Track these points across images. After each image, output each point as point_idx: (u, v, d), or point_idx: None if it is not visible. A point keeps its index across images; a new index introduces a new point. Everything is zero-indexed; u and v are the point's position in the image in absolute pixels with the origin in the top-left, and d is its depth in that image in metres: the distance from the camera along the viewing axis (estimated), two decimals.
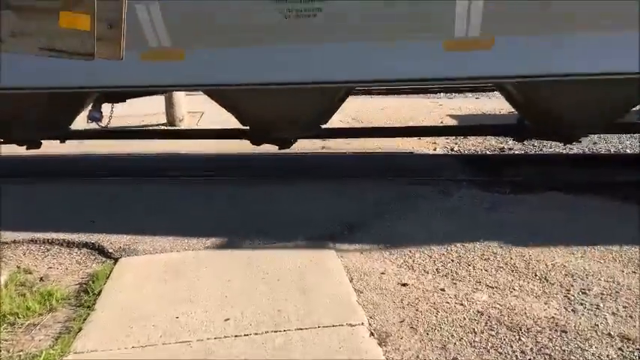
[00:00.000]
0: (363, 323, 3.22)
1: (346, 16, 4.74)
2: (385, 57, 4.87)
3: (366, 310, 3.39)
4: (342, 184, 5.80)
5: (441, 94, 11.89)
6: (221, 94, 5.63)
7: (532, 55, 4.74)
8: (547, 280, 3.65)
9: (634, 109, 5.65)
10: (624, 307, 3.28)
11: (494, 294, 3.52)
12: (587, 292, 3.48)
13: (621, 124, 5.89)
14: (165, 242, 4.43)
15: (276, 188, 5.69)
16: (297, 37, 4.82)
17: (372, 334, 3.12)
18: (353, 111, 9.66)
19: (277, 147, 6.07)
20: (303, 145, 7.26)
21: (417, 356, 2.91)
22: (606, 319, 3.16)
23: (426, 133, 7.39)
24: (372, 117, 9.44)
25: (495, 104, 9.75)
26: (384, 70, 4.96)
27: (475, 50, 4.73)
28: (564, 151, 7.12)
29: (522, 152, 7.26)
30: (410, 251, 4.20)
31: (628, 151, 6.99)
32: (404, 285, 3.68)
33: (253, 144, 6.13)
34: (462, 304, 3.41)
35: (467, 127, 7.81)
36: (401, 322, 3.24)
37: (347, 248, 4.28)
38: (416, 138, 7.59)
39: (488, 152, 7.39)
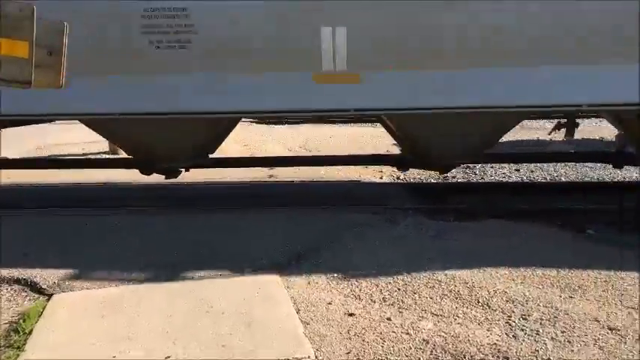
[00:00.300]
0: (309, 357, 3.17)
1: (215, 50, 4.91)
2: (255, 88, 5.02)
3: (312, 342, 3.34)
4: (289, 213, 5.77)
5: None
6: (99, 124, 5.56)
7: (398, 90, 5.00)
8: (489, 307, 3.72)
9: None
10: (562, 331, 3.37)
11: (439, 322, 3.55)
12: (528, 317, 3.56)
13: (491, 154, 6.25)
14: (103, 276, 4.27)
15: (222, 217, 5.61)
16: (167, 67, 4.94)
17: None
18: (302, 139, 9.73)
19: (164, 177, 6.03)
20: (254, 175, 7.23)
21: None
22: (546, 344, 3.24)
23: (367, 162, 7.47)
24: (321, 145, 9.52)
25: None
26: (254, 101, 5.09)
27: (343, 84, 4.95)
28: (504, 179, 7.37)
29: (465, 180, 7.47)
30: (357, 280, 4.20)
31: (562, 179, 7.30)
32: (351, 315, 3.67)
33: (142, 174, 6.06)
34: (407, 333, 3.43)
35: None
36: (347, 353, 3.22)
37: (294, 279, 4.24)
38: (362, 166, 7.69)
39: (432, 180, 7.56)
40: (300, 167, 7.17)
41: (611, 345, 3.20)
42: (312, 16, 4.87)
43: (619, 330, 3.36)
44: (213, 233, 5.17)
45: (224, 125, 5.75)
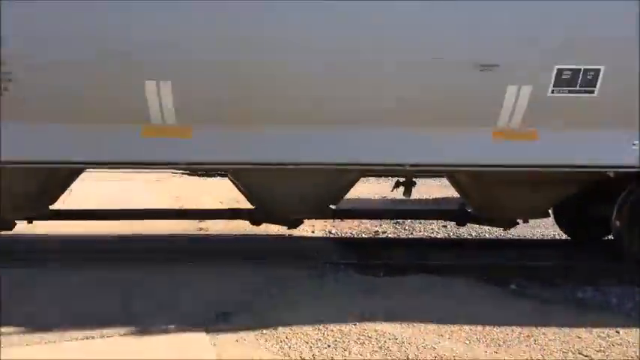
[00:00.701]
0: None
1: (30, 98, 4.81)
2: (74, 139, 4.99)
3: None
4: (216, 269, 5.62)
5: None
6: None
7: (230, 144, 5.09)
8: None
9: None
10: None
11: None
12: None
13: (341, 210, 6.45)
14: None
15: (141, 272, 5.36)
16: None
17: None
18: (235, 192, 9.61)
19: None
20: (183, 227, 7.04)
21: None
22: None
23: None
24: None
25: (376, 188, 10.20)
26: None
27: (175, 138, 5.04)
28: (432, 235, 7.55)
29: (395, 236, 7.59)
30: (286, 337, 4.10)
31: (487, 235, 7.58)
32: None
33: None
34: None
35: None
36: None
37: (221, 336, 4.08)
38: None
39: (364, 235, 7.63)
40: (232, 220, 7.05)
41: None
42: (136, 70, 4.78)
43: None
44: (137, 289, 4.93)
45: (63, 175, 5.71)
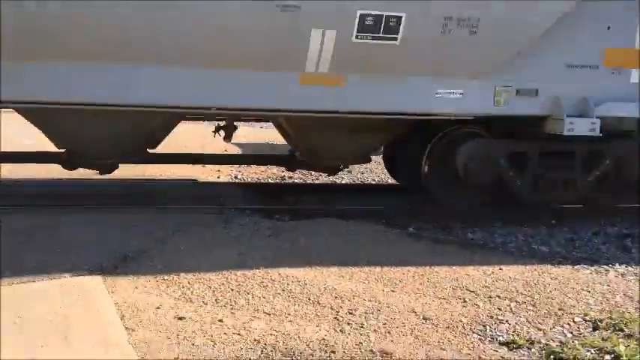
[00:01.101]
0: None
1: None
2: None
3: (137, 349, 3.16)
4: (118, 213, 5.42)
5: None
6: None
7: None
8: (319, 304, 3.84)
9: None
10: (384, 323, 3.60)
11: (271, 321, 3.58)
12: (354, 312, 3.74)
13: (156, 154, 6.34)
14: None
15: (39, 216, 5.08)
16: None
17: None
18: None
19: None
20: (81, 172, 6.67)
21: None
22: (369, 336, 3.43)
23: (207, 161, 7.32)
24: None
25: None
26: None
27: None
28: (338, 181, 7.71)
29: (301, 181, 7.67)
30: (189, 282, 4.07)
31: (390, 181, 7.85)
32: (180, 319, 3.53)
33: None
34: (239, 334, 3.39)
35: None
36: (175, 359, 3.09)
37: (119, 282, 3.98)
38: (199, 165, 7.50)
39: (270, 180, 7.64)
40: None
41: (425, 334, 3.49)
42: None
43: (432, 320, 3.68)
44: (32, 234, 4.66)
45: None
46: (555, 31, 5.55)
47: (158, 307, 3.66)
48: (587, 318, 3.78)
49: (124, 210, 5.57)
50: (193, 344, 3.25)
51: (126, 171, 6.99)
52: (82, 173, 6.37)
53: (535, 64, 5.72)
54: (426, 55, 5.31)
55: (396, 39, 5.10)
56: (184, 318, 3.54)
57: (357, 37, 5.02)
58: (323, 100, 5.34)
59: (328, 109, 5.38)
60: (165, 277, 4.12)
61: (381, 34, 5.06)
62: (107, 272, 4.13)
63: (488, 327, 3.61)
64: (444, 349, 3.30)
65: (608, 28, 5.79)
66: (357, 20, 4.96)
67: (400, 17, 5.02)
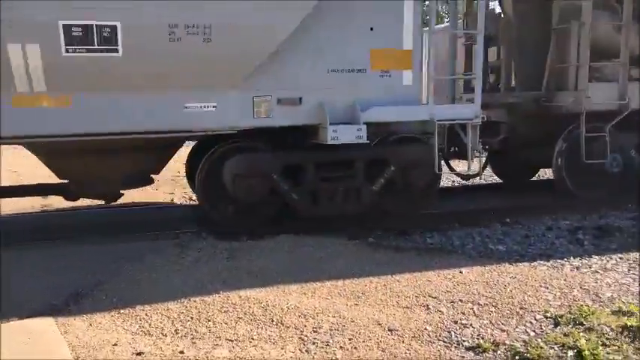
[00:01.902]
0: None
1: None
2: None
3: None
4: (63, 246, 5.20)
5: None
6: None
7: None
8: (283, 324, 3.76)
9: None
10: (349, 339, 3.55)
11: (234, 347, 3.47)
12: (319, 330, 3.68)
13: None
14: None
15: None
16: None
17: None
18: None
19: None
20: (22, 206, 6.39)
21: None
22: (335, 353, 3.37)
23: None
24: None
25: None
26: None
27: None
28: None
29: None
30: (146, 314, 3.92)
31: None
32: (139, 354, 3.38)
33: None
34: None
35: None
36: None
37: (72, 321, 3.79)
38: (152, 188, 7.31)
39: None
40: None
41: (392, 346, 3.46)
42: None
43: (397, 330, 3.65)
44: None
45: None
46: (308, 33, 5.38)
47: (115, 344, 3.50)
48: (548, 315, 3.83)
49: (69, 242, 5.35)
50: None
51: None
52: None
53: (295, 70, 5.51)
54: (159, 67, 4.96)
55: (117, 50, 4.73)
56: (143, 353, 3.39)
57: (67, 50, 4.62)
58: (46, 124, 4.83)
59: (54, 133, 4.88)
60: (121, 311, 3.96)
61: (97, 46, 4.67)
62: (59, 312, 3.93)
63: (453, 333, 3.61)
64: None
65: (372, 29, 5.66)
66: (61, 32, 4.56)
67: (115, 26, 4.66)
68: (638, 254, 5.03)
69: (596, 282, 4.42)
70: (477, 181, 8.35)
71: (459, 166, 7.45)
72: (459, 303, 4.06)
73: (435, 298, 4.17)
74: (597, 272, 4.66)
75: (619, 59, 6.83)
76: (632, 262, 4.87)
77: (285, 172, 5.85)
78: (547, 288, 4.32)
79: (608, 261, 4.91)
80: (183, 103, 5.23)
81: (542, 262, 4.93)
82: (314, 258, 5.04)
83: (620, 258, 4.97)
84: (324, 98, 5.64)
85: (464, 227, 6.03)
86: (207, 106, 5.31)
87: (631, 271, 4.64)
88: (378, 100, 5.76)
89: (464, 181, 8.49)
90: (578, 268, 4.79)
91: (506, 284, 4.40)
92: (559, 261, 4.94)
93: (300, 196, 5.89)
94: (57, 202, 6.92)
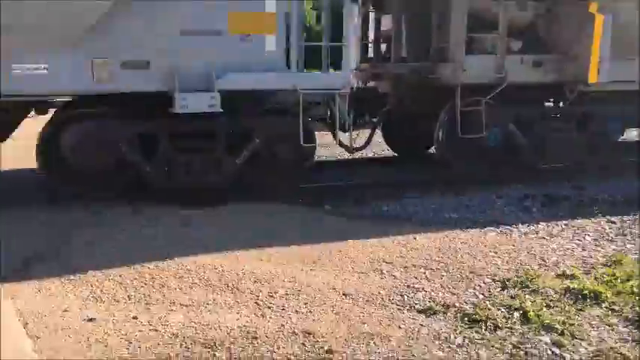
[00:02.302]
0: None
1: None
2: None
3: (44, 357, 2.94)
4: (12, 211, 5.03)
5: None
6: None
7: None
8: (238, 290, 3.77)
9: None
10: (305, 303, 3.59)
11: (189, 312, 3.46)
12: (274, 294, 3.70)
13: None
14: None
15: None
16: None
17: None
18: None
19: None
20: None
21: None
22: (291, 318, 3.40)
23: None
24: None
25: None
26: None
27: None
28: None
29: None
30: (98, 281, 3.85)
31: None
32: (91, 320, 3.33)
33: None
34: (156, 330, 3.25)
35: None
36: None
37: (21, 287, 3.69)
38: None
39: None
40: None
41: (346, 309, 3.52)
42: None
43: (352, 295, 3.71)
44: None
45: None
46: None
47: (65, 310, 3.44)
48: (496, 278, 3.97)
49: (20, 206, 5.17)
50: (106, 346, 3.07)
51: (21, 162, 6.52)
52: None
53: (142, 30, 5.10)
54: None
55: None
56: (95, 319, 3.34)
57: None
58: None
59: None
60: (72, 277, 3.88)
61: None
62: (7, 277, 3.81)
63: (405, 296, 3.70)
64: (364, 323, 3.35)
65: None
66: None
67: None
68: (582, 221, 5.25)
69: (542, 247, 4.60)
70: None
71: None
72: (412, 268, 4.16)
73: (389, 263, 4.25)
74: (544, 238, 4.84)
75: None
76: (576, 228, 5.08)
77: (138, 142, 5.50)
78: (496, 253, 4.46)
79: (554, 227, 5.10)
80: (10, 65, 4.78)
81: (492, 228, 5.09)
82: (270, 225, 5.04)
83: (566, 225, 5.17)
84: (175, 62, 5.23)
85: (419, 196, 6.13)
86: (39, 69, 4.88)
87: (575, 237, 4.85)
88: (238, 66, 5.37)
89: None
90: (525, 234, 4.96)
91: (457, 250, 4.52)
92: (508, 227, 5.11)
93: (154, 169, 5.55)
94: (9, 164, 6.66)
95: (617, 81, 6.67)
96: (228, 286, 3.82)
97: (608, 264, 4.20)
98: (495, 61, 6.54)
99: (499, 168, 6.84)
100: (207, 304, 3.58)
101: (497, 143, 6.82)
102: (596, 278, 3.91)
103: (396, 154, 8.35)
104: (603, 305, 3.55)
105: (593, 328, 3.29)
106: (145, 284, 3.82)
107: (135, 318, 3.37)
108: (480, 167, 6.80)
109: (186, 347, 3.08)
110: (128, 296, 3.65)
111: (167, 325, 3.29)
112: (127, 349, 3.05)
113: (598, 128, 7.08)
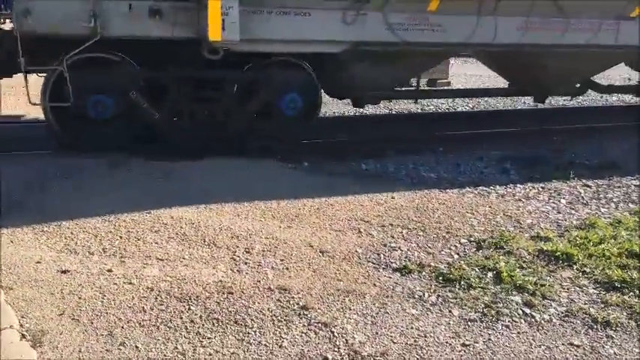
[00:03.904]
0: (12, 326, 2.76)
1: None
2: None
3: (17, 309, 2.91)
4: None
5: None
6: None
7: None
8: (215, 245, 3.75)
9: None
10: (281, 260, 3.59)
11: (164, 266, 3.44)
12: (251, 250, 3.69)
13: None
14: None
15: None
16: None
17: (23, 336, 2.70)
18: None
19: None
20: None
21: (80, 350, 2.63)
22: (267, 274, 3.41)
23: None
24: None
25: None
26: None
27: None
28: None
29: None
30: (72, 233, 3.80)
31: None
32: (65, 272, 3.30)
33: None
34: (130, 283, 3.23)
35: None
36: (60, 315, 2.89)
37: None
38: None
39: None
40: None
41: (322, 267, 3.53)
42: None
43: (329, 252, 3.73)
44: None
45: None
46: None
47: (38, 262, 3.39)
48: (472, 239, 4.01)
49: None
50: (80, 298, 3.05)
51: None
52: None
53: None
54: None
55: None
56: (69, 271, 3.31)
57: None
58: None
59: None
60: (45, 229, 3.82)
61: None
62: None
63: (382, 255, 3.72)
64: (340, 280, 3.37)
65: None
66: None
67: None
68: (558, 184, 5.30)
69: (519, 209, 4.65)
70: None
71: None
72: (390, 227, 4.18)
73: (366, 222, 4.26)
74: (520, 200, 4.89)
75: None
76: (552, 191, 5.13)
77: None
78: (473, 214, 4.50)
79: (530, 190, 5.16)
80: None
81: (470, 189, 5.11)
82: (248, 181, 5.00)
83: (542, 187, 5.23)
84: None
85: (399, 155, 6.13)
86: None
87: (551, 200, 4.91)
88: None
89: None
90: (503, 196, 5.00)
91: (434, 210, 4.55)
92: (486, 189, 5.14)
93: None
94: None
95: (266, 40, 5.57)
96: (204, 241, 3.80)
97: (582, 227, 4.27)
98: (82, 6, 5.12)
99: (111, 146, 5.45)
100: (184, 258, 3.56)
101: (108, 114, 5.60)
102: (569, 241, 3.98)
103: None
104: (575, 267, 3.62)
105: (563, 289, 3.36)
106: (121, 237, 3.78)
107: (110, 271, 3.35)
108: (90, 144, 5.49)
109: (160, 301, 3.07)
110: (103, 249, 3.62)
111: (142, 279, 3.28)
112: (101, 301, 3.03)
113: (265, 100, 6.02)
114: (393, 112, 8.97)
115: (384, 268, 3.55)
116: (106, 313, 2.93)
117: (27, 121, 7.01)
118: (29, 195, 4.36)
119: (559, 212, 4.62)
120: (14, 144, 5.70)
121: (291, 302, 3.11)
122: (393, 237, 4.01)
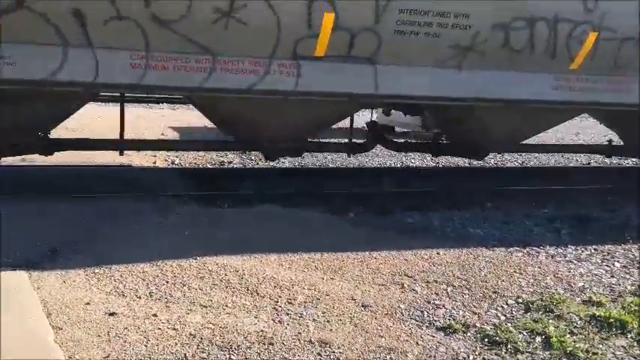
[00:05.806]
0: None
1: None
2: None
3: (65, 349, 2.99)
4: (46, 202, 5.13)
5: (164, 104, 11.68)
6: None
7: None
8: (258, 294, 3.77)
9: None
10: (323, 312, 3.57)
11: (207, 313, 3.48)
12: (293, 301, 3.69)
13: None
14: None
15: None
16: None
17: None
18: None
19: None
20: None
21: None
22: (308, 326, 3.39)
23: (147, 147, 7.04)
24: (89, 126, 8.69)
25: None
26: None
27: None
28: (278, 166, 7.61)
29: (241, 166, 7.53)
30: (121, 275, 3.91)
31: (330, 165, 7.83)
32: (112, 314, 3.38)
33: None
34: (174, 329, 3.28)
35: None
36: (105, 357, 2.95)
37: (46, 277, 3.77)
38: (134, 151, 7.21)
39: (209, 166, 7.46)
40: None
41: (364, 321, 3.49)
42: None
43: (371, 307, 3.69)
44: None
45: None
46: None
47: (88, 303, 3.49)
48: (520, 300, 3.89)
49: (49, 199, 5.28)
50: (125, 341, 3.12)
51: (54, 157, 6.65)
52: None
53: None
54: None
55: None
56: (116, 313, 3.39)
57: None
58: None
59: None
60: (96, 271, 3.94)
61: None
62: (33, 267, 3.90)
63: (425, 312, 3.65)
64: (382, 337, 3.32)
65: None
66: None
67: None
68: (612, 246, 5.11)
69: (570, 271, 4.50)
70: None
71: None
72: (434, 283, 4.11)
73: (410, 277, 4.21)
74: (571, 262, 4.73)
75: None
76: (606, 253, 4.95)
77: None
78: (521, 274, 4.38)
79: (583, 251, 4.98)
80: None
81: (518, 248, 4.99)
82: (293, 231, 5.04)
83: (595, 249, 5.05)
84: None
85: (444, 209, 6.07)
86: None
87: (604, 263, 4.72)
88: None
89: None
90: (553, 256, 4.85)
91: (481, 268, 4.45)
92: (535, 248, 5.00)
93: None
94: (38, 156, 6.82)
95: None
96: (248, 290, 3.83)
97: (637, 293, 4.08)
98: None
99: None
100: (227, 306, 3.59)
101: None
102: (623, 307, 3.80)
103: None
104: (629, 335, 3.45)
105: (617, 358, 3.20)
106: (167, 282, 3.86)
107: (155, 315, 3.41)
108: None
109: (202, 349, 3.10)
110: (150, 293, 3.70)
111: (185, 325, 3.32)
112: (145, 345, 3.09)
113: None
114: (440, 166, 8.94)
115: (427, 327, 3.48)
116: (149, 358, 2.98)
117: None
118: (82, 237, 4.52)
119: (612, 276, 4.44)
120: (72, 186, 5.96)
121: (332, 357, 3.08)
122: (437, 294, 3.94)
